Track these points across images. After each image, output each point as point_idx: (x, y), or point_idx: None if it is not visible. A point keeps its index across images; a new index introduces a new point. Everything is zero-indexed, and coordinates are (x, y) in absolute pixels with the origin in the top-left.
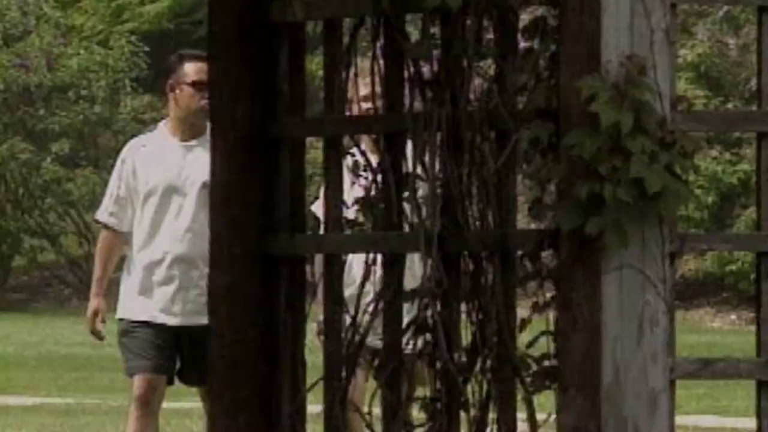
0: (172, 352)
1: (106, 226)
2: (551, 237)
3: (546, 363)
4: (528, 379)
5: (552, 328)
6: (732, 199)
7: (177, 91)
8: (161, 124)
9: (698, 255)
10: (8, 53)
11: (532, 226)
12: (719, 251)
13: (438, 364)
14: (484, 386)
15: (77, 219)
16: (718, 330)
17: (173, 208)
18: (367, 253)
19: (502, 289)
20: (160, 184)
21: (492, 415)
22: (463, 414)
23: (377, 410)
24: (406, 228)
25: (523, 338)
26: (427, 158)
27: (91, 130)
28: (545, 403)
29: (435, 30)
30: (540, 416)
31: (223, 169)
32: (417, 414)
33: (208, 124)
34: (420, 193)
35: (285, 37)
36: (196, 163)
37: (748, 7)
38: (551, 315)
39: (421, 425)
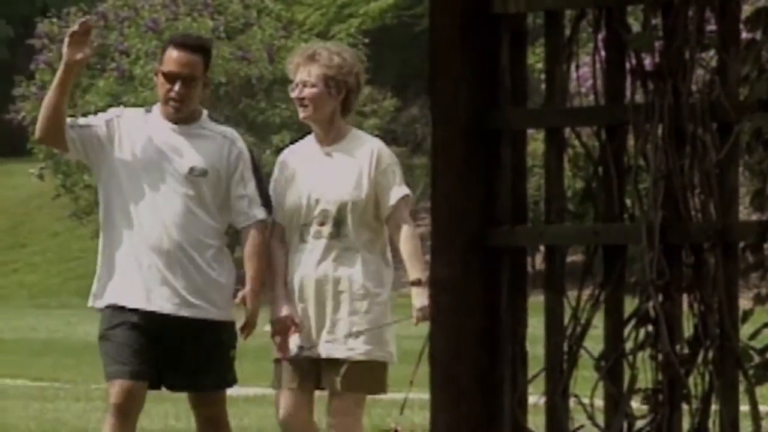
0: (154, 353)
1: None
2: None
3: None
4: (750, 371)
5: None
6: None
7: (156, 79)
8: (155, 107)
9: None
10: (230, 46)
11: (754, 217)
12: None
13: (660, 356)
14: (707, 378)
15: None
16: None
17: (157, 192)
18: (587, 245)
19: (724, 281)
20: (147, 165)
21: (714, 407)
22: (684, 406)
23: (599, 402)
24: (628, 221)
25: (745, 330)
26: (648, 150)
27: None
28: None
29: (656, 21)
30: (763, 408)
31: (444, 161)
32: (638, 406)
33: (204, 112)
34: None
35: (506, 28)
36: (184, 149)
37: None
38: None
39: (642, 417)
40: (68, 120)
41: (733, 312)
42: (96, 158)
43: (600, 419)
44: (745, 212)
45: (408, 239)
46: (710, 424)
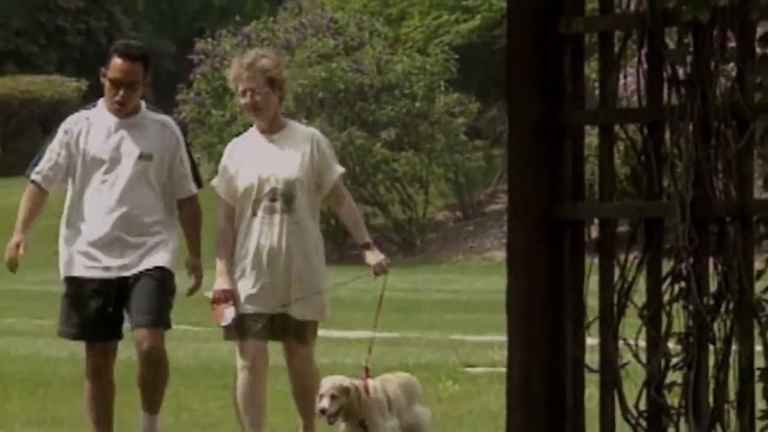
0: (115, 311)
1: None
2: None
3: None
4: (763, 319)
5: None
6: None
7: (102, 80)
8: (100, 101)
9: None
10: (347, 60)
11: (765, 196)
12: None
13: (690, 307)
14: (728, 324)
15: (401, 191)
16: None
17: (110, 176)
18: (633, 218)
19: (742, 247)
20: (99, 155)
21: (734, 348)
22: (710, 346)
23: (642, 343)
24: (665, 198)
25: (759, 285)
26: (681, 142)
27: (411, 121)
28: None
29: (688, 39)
30: None
31: (519, 152)
32: (673, 346)
33: (142, 103)
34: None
35: (568, 45)
36: (129, 138)
37: None
38: None
39: (677, 355)
40: (36, 177)
41: (749, 272)
42: (70, 172)
43: (643, 357)
44: (758, 192)
45: (352, 208)
46: (731, 361)
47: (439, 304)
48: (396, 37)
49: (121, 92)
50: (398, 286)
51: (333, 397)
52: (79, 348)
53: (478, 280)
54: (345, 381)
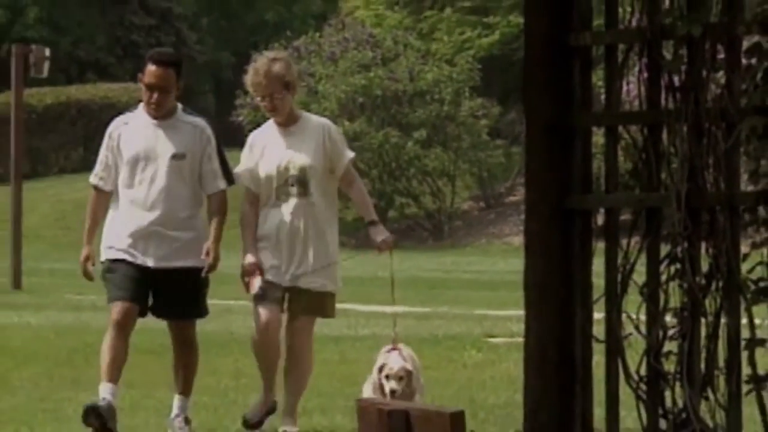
0: (146, 289)
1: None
2: (764, 196)
3: (761, 284)
4: (748, 295)
5: (765, 259)
6: None
7: (140, 84)
8: (140, 105)
9: None
10: (384, 70)
11: (750, 188)
12: None
13: (685, 285)
14: (717, 300)
15: (431, 184)
16: None
17: (148, 173)
18: (634, 208)
19: (730, 233)
20: (137, 154)
21: (723, 321)
22: (702, 320)
23: (642, 317)
24: (662, 190)
25: (745, 266)
26: (677, 141)
27: (440, 123)
28: (760, 312)
29: (682, 51)
30: (756, 321)
31: (535, 149)
32: (670, 320)
33: (179, 106)
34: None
35: (577, 56)
36: (164, 138)
37: None
38: (765, 250)
39: (673, 327)
40: (94, 180)
41: (737, 254)
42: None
43: (643, 329)
44: (744, 185)
45: (361, 190)
46: (720, 332)
47: (464, 282)
48: (427, 50)
49: (156, 95)
50: (428, 267)
51: (400, 379)
52: (150, 320)
53: (499, 262)
54: (407, 364)
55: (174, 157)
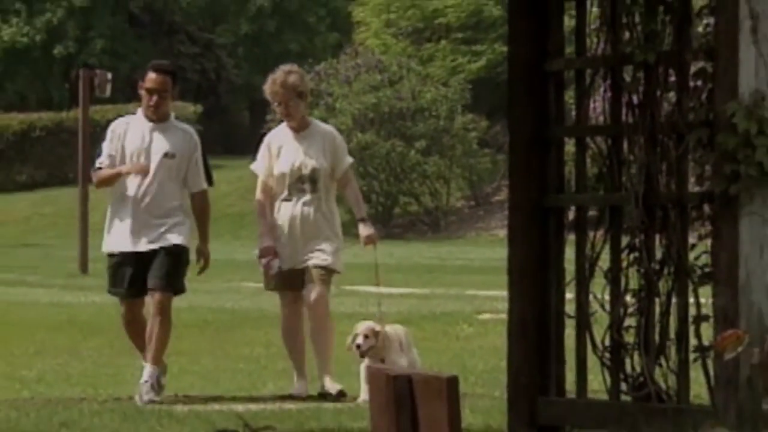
0: (143, 274)
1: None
2: (708, 196)
3: (706, 269)
4: (695, 279)
5: (709, 249)
6: None
7: (140, 91)
8: (139, 110)
9: None
10: (391, 90)
11: (696, 189)
12: None
13: (642, 270)
14: (669, 283)
15: (430, 186)
16: None
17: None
18: (599, 206)
19: (680, 226)
20: (135, 151)
21: (674, 300)
22: (656, 299)
23: (607, 297)
24: (623, 191)
25: (692, 255)
26: (635, 150)
27: (437, 135)
28: (704, 292)
29: (640, 75)
30: (701, 301)
31: (517, 157)
32: (629, 299)
33: (172, 114)
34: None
35: (552, 79)
36: (158, 140)
37: None
38: (709, 241)
39: (632, 305)
40: (100, 164)
41: (685, 245)
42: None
43: (607, 307)
44: (691, 186)
45: (355, 190)
46: (671, 309)
47: (458, 268)
48: (426, 74)
49: (155, 98)
50: (428, 255)
51: (366, 337)
52: (195, 299)
53: (487, 251)
54: (375, 326)
55: (166, 155)
